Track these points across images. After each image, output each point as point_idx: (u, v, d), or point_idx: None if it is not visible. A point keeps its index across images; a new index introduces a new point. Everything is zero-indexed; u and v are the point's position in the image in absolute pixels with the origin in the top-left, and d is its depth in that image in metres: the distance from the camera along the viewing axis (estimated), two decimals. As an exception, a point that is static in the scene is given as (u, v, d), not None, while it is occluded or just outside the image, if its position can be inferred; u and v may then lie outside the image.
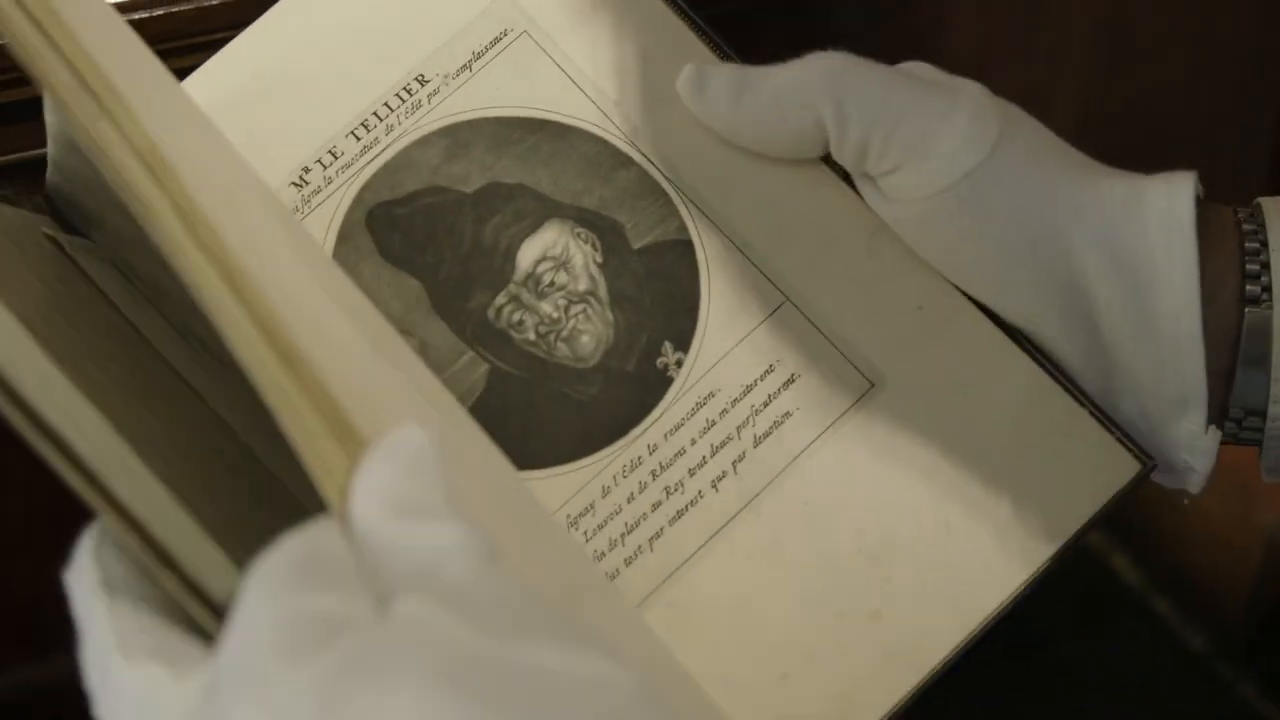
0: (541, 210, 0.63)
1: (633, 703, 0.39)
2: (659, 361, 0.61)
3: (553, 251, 0.62)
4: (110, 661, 0.42)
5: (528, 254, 0.62)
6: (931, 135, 0.61)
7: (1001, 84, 0.94)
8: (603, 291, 0.62)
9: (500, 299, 0.62)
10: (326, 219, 0.62)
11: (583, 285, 0.62)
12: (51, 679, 0.90)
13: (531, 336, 0.62)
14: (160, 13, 0.71)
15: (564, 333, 0.62)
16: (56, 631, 0.90)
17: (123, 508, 0.42)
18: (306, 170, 0.62)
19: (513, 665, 0.38)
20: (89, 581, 0.44)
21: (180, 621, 0.43)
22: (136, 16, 0.70)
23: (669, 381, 0.61)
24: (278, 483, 0.49)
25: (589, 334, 0.62)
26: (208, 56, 0.64)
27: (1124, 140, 0.99)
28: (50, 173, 0.59)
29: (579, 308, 0.62)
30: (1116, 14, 0.94)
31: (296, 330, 0.42)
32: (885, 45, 0.91)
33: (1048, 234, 0.61)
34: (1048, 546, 0.60)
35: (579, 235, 0.62)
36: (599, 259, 0.62)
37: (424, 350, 0.61)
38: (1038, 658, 1.05)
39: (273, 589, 0.39)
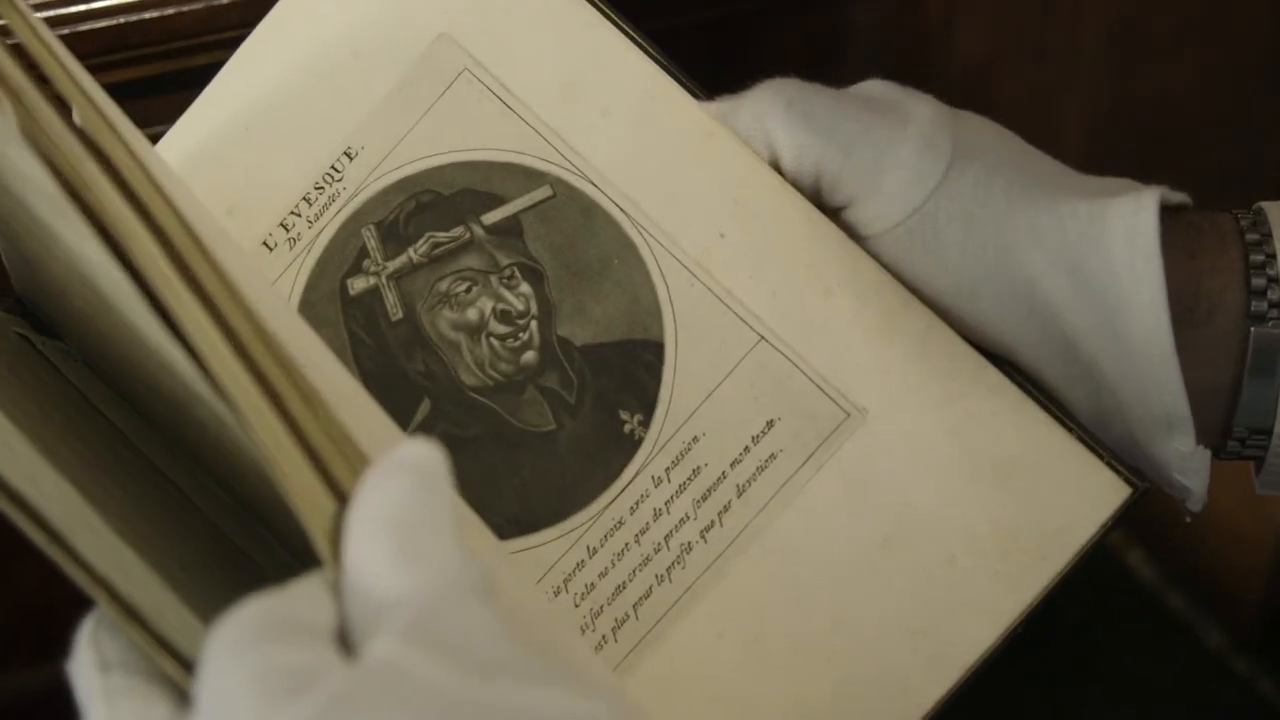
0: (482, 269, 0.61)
1: None
2: (624, 425, 0.59)
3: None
4: None
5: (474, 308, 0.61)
6: (878, 171, 0.59)
7: (1013, 82, 0.93)
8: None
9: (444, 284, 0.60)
10: (291, 278, 0.60)
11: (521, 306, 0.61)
12: (61, 683, 0.89)
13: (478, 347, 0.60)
14: (171, 11, 0.69)
15: (517, 336, 0.60)
16: (67, 635, 0.90)
17: (88, 566, 0.43)
18: (282, 224, 0.60)
19: (499, 705, 0.38)
20: (85, 663, 0.44)
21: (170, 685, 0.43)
22: (147, 16, 0.69)
23: (637, 443, 0.59)
24: (247, 560, 0.49)
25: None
26: (216, 56, 0.62)
27: (1136, 138, 0.97)
28: (15, 280, 0.58)
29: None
30: (1129, 12, 0.93)
31: (301, 364, 0.42)
32: (896, 44, 0.90)
33: (1006, 263, 0.58)
34: (1039, 579, 0.58)
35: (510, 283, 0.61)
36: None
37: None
38: (1053, 654, 1.04)
39: (239, 645, 0.39)
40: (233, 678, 0.38)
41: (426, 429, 0.59)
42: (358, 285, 0.60)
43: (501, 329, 0.60)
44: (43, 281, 0.51)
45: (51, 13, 0.68)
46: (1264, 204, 0.60)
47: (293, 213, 0.60)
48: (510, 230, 0.60)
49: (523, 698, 0.38)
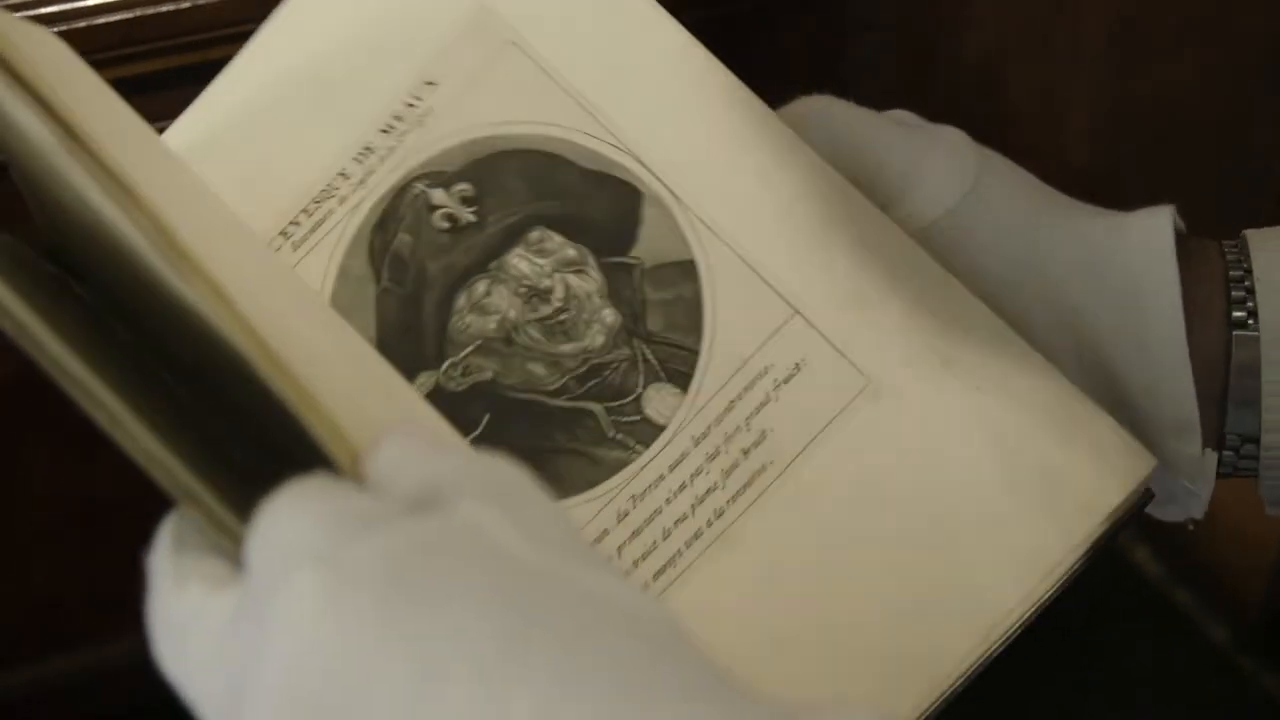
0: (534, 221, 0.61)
1: (670, 635, 0.39)
2: (657, 391, 0.60)
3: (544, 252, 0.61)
4: (166, 596, 0.43)
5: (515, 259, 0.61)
6: (913, 173, 0.61)
7: (1019, 81, 0.93)
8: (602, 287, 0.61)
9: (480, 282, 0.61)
10: (326, 254, 0.60)
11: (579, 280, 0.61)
12: (72, 675, 0.89)
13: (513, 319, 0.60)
14: (185, 5, 0.70)
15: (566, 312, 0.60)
16: (77, 629, 0.90)
17: (148, 453, 0.43)
18: (303, 211, 0.60)
19: (566, 580, 0.39)
20: (161, 544, 0.44)
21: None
22: (161, 10, 0.70)
23: (672, 409, 0.59)
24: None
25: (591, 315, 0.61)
26: (229, 50, 0.62)
27: (1138, 137, 0.97)
28: (42, 227, 0.58)
29: (573, 276, 0.61)
30: (1133, 11, 0.93)
31: (282, 342, 0.42)
32: (903, 44, 0.90)
33: (1031, 264, 0.61)
34: (1062, 556, 0.57)
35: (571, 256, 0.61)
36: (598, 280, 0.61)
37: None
38: (1059, 650, 1.03)
39: (301, 499, 0.40)
40: (301, 516, 0.39)
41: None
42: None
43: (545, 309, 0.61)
44: (61, 225, 0.51)
45: (64, 6, 0.68)
46: (1246, 231, 0.63)
47: (332, 183, 0.61)
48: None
49: (592, 583, 0.39)
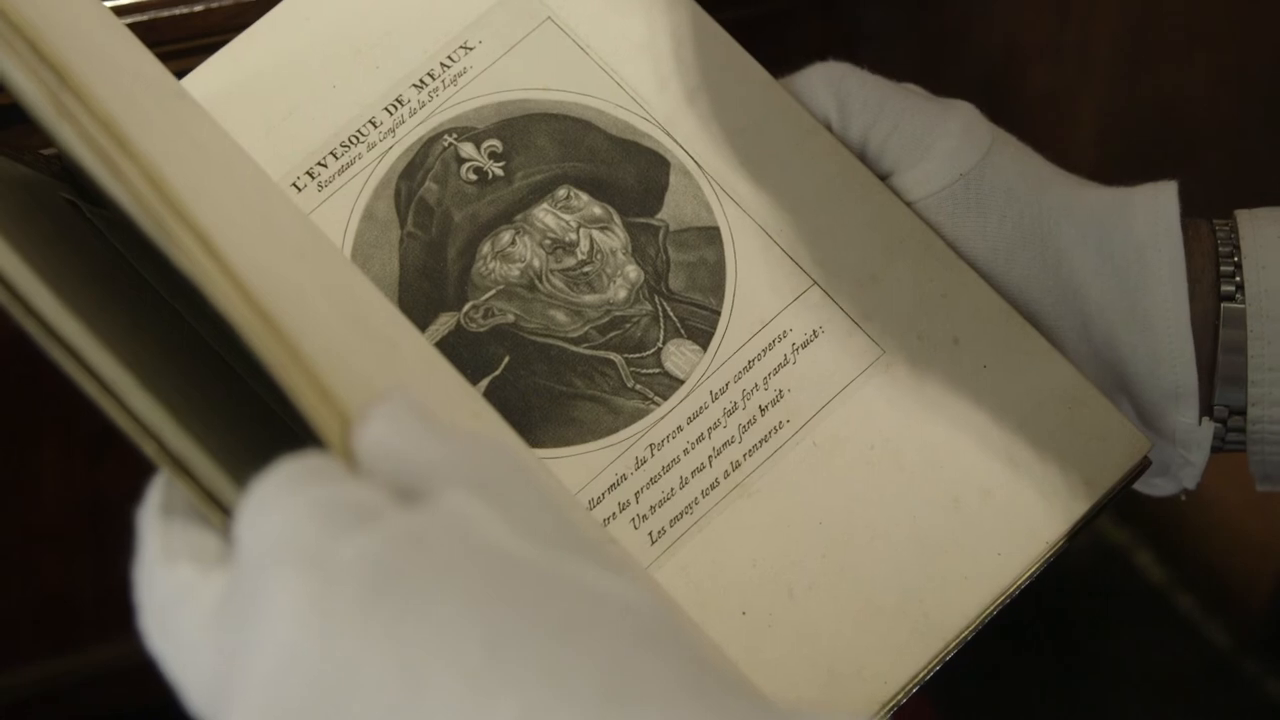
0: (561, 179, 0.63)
1: (659, 629, 0.38)
2: (677, 347, 0.61)
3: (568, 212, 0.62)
4: (152, 567, 0.42)
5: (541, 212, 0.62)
6: (928, 137, 0.62)
7: (1027, 83, 0.93)
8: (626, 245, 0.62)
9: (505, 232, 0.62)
10: (352, 196, 0.61)
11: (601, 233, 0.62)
12: (81, 674, 0.89)
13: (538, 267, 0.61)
14: (199, 8, 0.70)
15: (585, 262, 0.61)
16: (86, 625, 0.90)
17: (138, 418, 0.43)
18: (330, 153, 0.62)
19: (556, 573, 0.38)
20: (150, 505, 0.44)
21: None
22: (177, 12, 0.70)
23: (692, 365, 0.61)
24: (280, 424, 0.49)
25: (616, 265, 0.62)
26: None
27: (1147, 140, 0.98)
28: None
29: (599, 232, 0.62)
30: (1142, 15, 0.93)
31: (278, 304, 0.42)
32: (915, 46, 0.90)
33: (1039, 233, 0.62)
34: (1062, 522, 0.59)
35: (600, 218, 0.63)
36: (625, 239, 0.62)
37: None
38: (1062, 655, 1.04)
39: (292, 484, 0.39)
40: (291, 505, 0.38)
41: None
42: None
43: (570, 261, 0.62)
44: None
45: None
46: (1237, 211, 0.64)
47: (361, 129, 0.62)
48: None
49: (582, 576, 0.38)
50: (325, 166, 0.61)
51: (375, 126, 0.62)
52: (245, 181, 0.52)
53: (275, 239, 0.48)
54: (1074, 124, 0.97)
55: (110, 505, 0.83)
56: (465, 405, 0.51)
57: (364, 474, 0.40)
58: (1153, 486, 0.65)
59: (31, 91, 0.42)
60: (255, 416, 0.47)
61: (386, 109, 0.62)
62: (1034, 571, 0.59)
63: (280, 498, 0.39)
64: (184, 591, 0.41)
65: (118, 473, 0.81)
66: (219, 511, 0.42)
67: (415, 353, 0.51)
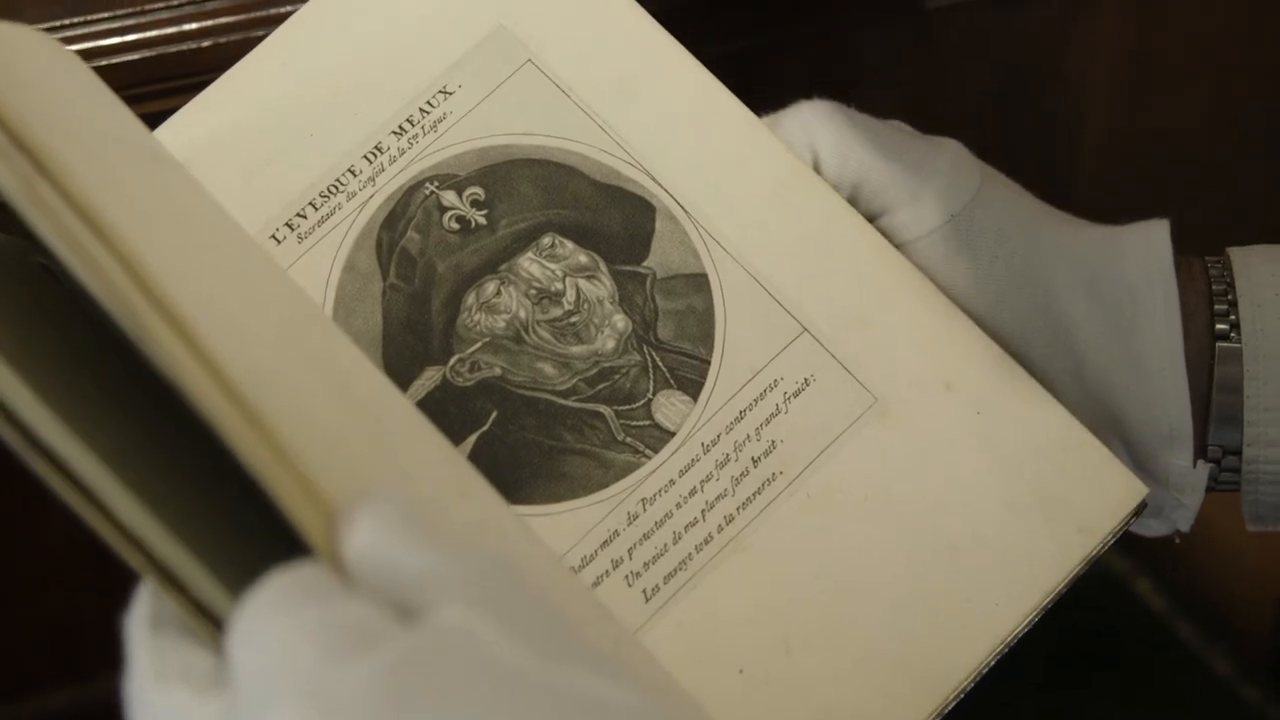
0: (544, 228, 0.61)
1: None
2: (667, 398, 0.60)
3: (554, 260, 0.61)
4: (144, 688, 0.41)
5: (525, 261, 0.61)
6: (916, 178, 0.61)
7: (1024, 114, 0.94)
8: (612, 294, 0.61)
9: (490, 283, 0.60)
10: (333, 248, 0.60)
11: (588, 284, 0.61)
12: (87, 704, 0.89)
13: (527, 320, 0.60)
14: (207, 44, 0.70)
15: (571, 312, 0.60)
16: (93, 658, 0.90)
17: (124, 528, 0.41)
18: (310, 204, 0.60)
19: (558, 686, 0.37)
20: (137, 617, 0.42)
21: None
22: (185, 48, 0.70)
23: (682, 416, 0.60)
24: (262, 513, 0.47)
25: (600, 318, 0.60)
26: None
27: (1147, 170, 0.98)
28: None
29: (585, 281, 0.61)
30: (1142, 44, 0.93)
31: (257, 394, 0.40)
32: (911, 76, 0.90)
33: (1030, 274, 0.61)
34: (1059, 569, 0.59)
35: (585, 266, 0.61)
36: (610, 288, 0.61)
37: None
38: (1063, 684, 1.03)
39: (286, 605, 0.38)
40: (287, 631, 0.37)
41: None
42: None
43: (555, 311, 0.60)
44: None
45: (84, 46, 0.68)
46: (1229, 249, 0.63)
47: (340, 179, 0.61)
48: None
49: (587, 684, 0.37)
50: (305, 218, 0.60)
51: (355, 175, 0.60)
52: (227, 248, 0.50)
53: (257, 311, 0.46)
54: (1071, 154, 0.97)
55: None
56: (453, 479, 0.49)
57: (356, 586, 0.38)
58: (1146, 527, 0.63)
59: (5, 181, 0.40)
60: (244, 511, 0.44)
61: (366, 157, 0.61)
62: (1032, 619, 0.58)
63: (274, 620, 0.37)
64: (178, 716, 0.40)
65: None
66: (210, 624, 0.41)
67: (401, 425, 0.50)
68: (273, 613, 0.38)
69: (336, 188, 0.60)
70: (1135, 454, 0.61)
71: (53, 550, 0.85)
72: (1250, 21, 0.95)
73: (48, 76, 0.47)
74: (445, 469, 0.50)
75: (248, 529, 0.42)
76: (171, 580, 0.41)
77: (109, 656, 0.88)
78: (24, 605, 0.86)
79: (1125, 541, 1.09)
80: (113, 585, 0.85)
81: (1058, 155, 0.96)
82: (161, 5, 0.69)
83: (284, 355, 0.45)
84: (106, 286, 0.39)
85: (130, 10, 0.69)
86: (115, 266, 0.40)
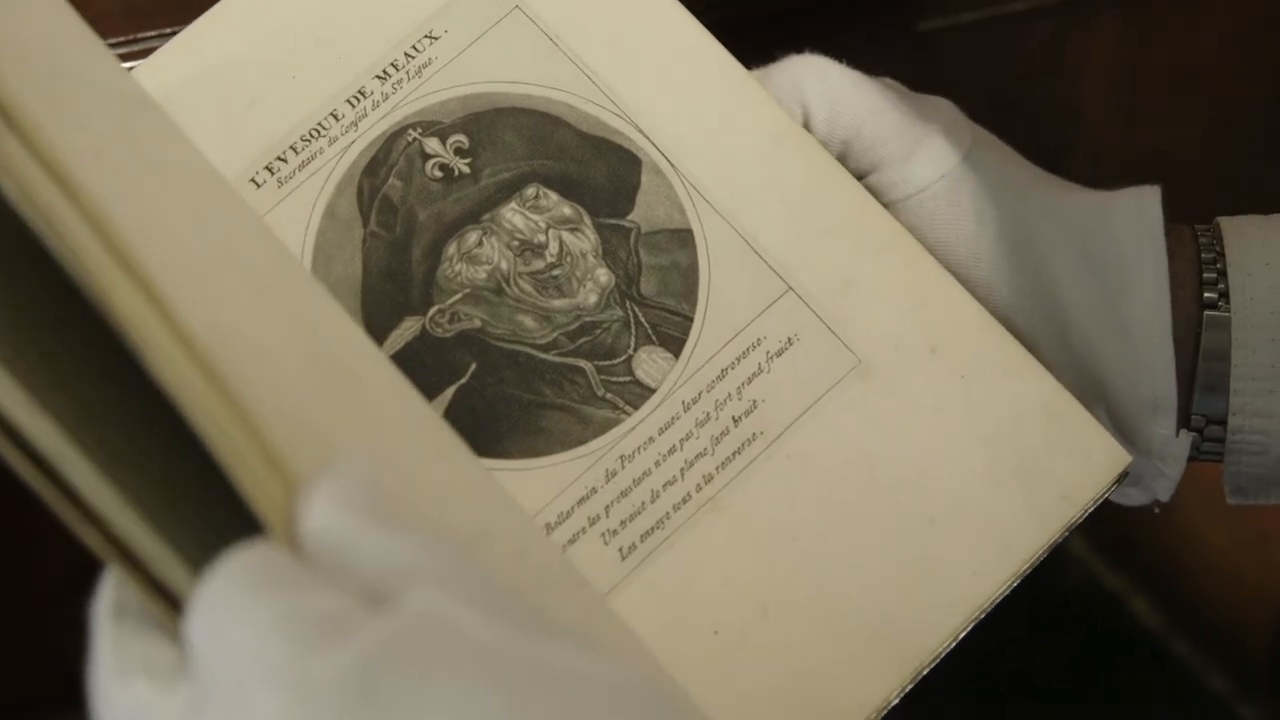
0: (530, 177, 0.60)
1: (650, 703, 0.37)
2: (649, 354, 0.59)
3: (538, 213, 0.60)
4: (106, 682, 0.40)
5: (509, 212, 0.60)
6: (908, 136, 0.60)
7: (1020, 133, 0.94)
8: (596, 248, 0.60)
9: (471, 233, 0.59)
10: (313, 193, 0.59)
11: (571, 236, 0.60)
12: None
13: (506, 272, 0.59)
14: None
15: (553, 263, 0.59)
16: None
17: (81, 501, 0.40)
18: (290, 148, 0.59)
19: (533, 662, 0.36)
20: (101, 607, 0.41)
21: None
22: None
23: (664, 373, 0.59)
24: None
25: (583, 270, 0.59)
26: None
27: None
28: None
29: (569, 234, 0.60)
30: (1135, 65, 0.93)
31: (224, 357, 0.38)
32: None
33: (1020, 236, 0.60)
34: (1038, 538, 0.58)
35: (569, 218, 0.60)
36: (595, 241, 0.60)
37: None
38: (1059, 702, 1.03)
39: (252, 590, 0.36)
40: (255, 620, 0.36)
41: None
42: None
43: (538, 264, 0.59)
44: None
45: (125, 49, 0.68)
46: (1219, 218, 0.63)
47: (322, 123, 0.60)
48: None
49: (566, 659, 0.36)
50: (285, 162, 0.59)
51: (337, 120, 0.59)
52: (201, 197, 0.48)
53: (231, 266, 0.45)
54: (1065, 175, 0.97)
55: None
56: (429, 440, 0.48)
57: (314, 567, 0.37)
58: (1126, 496, 0.62)
59: None
60: (211, 486, 0.42)
61: (349, 101, 0.60)
62: (1010, 585, 0.57)
63: (241, 607, 0.36)
64: (141, 711, 0.38)
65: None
66: (169, 605, 0.39)
67: (377, 383, 0.48)
68: (239, 599, 0.36)
69: (318, 132, 0.59)
70: (1118, 421, 0.60)
71: (49, 581, 0.84)
72: (1245, 40, 0.95)
73: (9, 9, 0.45)
74: (422, 430, 0.48)
75: (213, 505, 0.40)
76: (128, 557, 0.40)
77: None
78: (24, 634, 0.85)
79: (1121, 559, 1.09)
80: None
81: (1051, 172, 0.96)
82: (154, 34, 0.69)
83: (257, 313, 0.43)
84: (62, 240, 0.38)
85: (123, 39, 0.68)
86: (76, 219, 0.38)
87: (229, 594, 0.37)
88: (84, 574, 0.84)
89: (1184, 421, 0.60)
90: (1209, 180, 0.98)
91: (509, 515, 0.49)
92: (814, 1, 0.82)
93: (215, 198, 0.49)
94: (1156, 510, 0.63)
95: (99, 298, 0.38)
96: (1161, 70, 0.94)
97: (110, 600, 0.41)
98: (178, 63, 0.59)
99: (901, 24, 0.87)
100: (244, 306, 0.43)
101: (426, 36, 0.60)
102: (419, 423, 0.48)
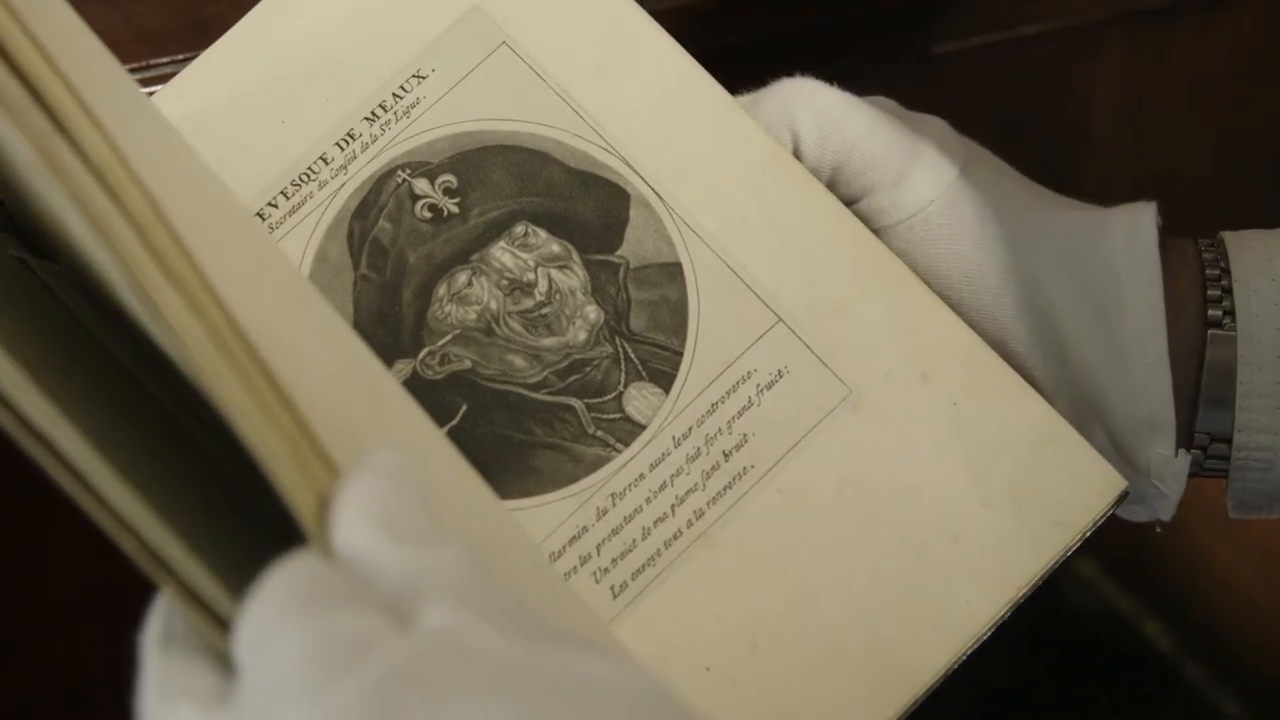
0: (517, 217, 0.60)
1: (663, 708, 0.37)
2: (639, 390, 0.58)
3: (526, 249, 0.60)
4: (153, 708, 0.40)
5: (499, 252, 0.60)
6: (898, 160, 0.59)
7: (1032, 154, 0.94)
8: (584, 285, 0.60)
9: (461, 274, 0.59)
10: (304, 238, 0.59)
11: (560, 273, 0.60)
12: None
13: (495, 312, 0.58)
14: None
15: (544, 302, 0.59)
16: (100, 710, 0.89)
17: (116, 514, 0.40)
18: (281, 193, 0.59)
19: (549, 671, 0.36)
20: (150, 634, 0.41)
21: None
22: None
23: (654, 409, 0.58)
24: (252, 495, 0.45)
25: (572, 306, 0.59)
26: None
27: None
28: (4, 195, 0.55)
29: (557, 271, 0.59)
30: (1144, 85, 0.93)
31: (268, 353, 0.39)
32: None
33: (1013, 259, 0.59)
34: (1032, 567, 0.57)
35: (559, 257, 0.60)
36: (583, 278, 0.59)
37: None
38: (1071, 725, 1.03)
39: (288, 613, 0.37)
40: (290, 642, 0.36)
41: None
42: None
43: (526, 303, 0.59)
44: (31, 206, 0.46)
45: (138, 76, 0.69)
46: (1223, 233, 0.62)
47: (312, 167, 0.59)
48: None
49: (582, 668, 0.36)
50: (276, 207, 0.59)
51: (327, 163, 0.59)
52: (236, 219, 0.49)
53: (269, 283, 0.45)
54: (1077, 196, 0.97)
55: (126, 587, 0.82)
56: (447, 459, 0.48)
57: (351, 575, 0.38)
58: (1130, 513, 0.61)
59: (19, 144, 0.38)
60: (225, 493, 0.44)
61: (338, 144, 0.59)
62: (1004, 615, 0.56)
63: (284, 629, 0.37)
64: None
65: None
66: (215, 622, 0.40)
67: (395, 403, 0.48)
68: (281, 618, 0.37)
69: (308, 176, 0.59)
70: (1116, 442, 0.60)
71: (60, 602, 0.84)
72: (1255, 58, 0.95)
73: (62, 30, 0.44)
74: (437, 448, 0.49)
75: (246, 523, 0.41)
76: (176, 579, 0.40)
77: (117, 710, 0.88)
78: (30, 658, 0.85)
79: (1132, 582, 1.09)
80: (122, 641, 0.85)
81: (1061, 192, 0.96)
82: (166, 60, 0.69)
83: (297, 322, 0.44)
84: (110, 244, 0.38)
85: (135, 65, 0.68)
86: (124, 223, 0.38)
87: (273, 612, 0.37)
88: (91, 606, 0.84)
89: (1186, 440, 0.59)
90: (1219, 197, 0.98)
91: (519, 533, 0.49)
92: (828, 25, 0.82)
93: (240, 215, 0.50)
94: (1158, 530, 0.63)
95: (147, 307, 0.38)
96: (1170, 89, 0.94)
97: (159, 628, 0.41)
98: (169, 109, 0.59)
99: (916, 49, 0.87)
100: (286, 316, 0.43)
101: (414, 76, 0.60)
102: (434, 440, 0.49)
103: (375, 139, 0.59)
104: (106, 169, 0.38)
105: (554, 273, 0.59)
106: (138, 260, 0.38)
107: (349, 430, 0.41)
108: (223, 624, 0.40)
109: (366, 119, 0.60)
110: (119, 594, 0.83)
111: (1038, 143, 0.93)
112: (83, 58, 0.43)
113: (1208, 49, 0.93)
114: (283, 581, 0.38)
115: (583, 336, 0.59)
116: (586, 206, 0.59)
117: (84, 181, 0.38)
